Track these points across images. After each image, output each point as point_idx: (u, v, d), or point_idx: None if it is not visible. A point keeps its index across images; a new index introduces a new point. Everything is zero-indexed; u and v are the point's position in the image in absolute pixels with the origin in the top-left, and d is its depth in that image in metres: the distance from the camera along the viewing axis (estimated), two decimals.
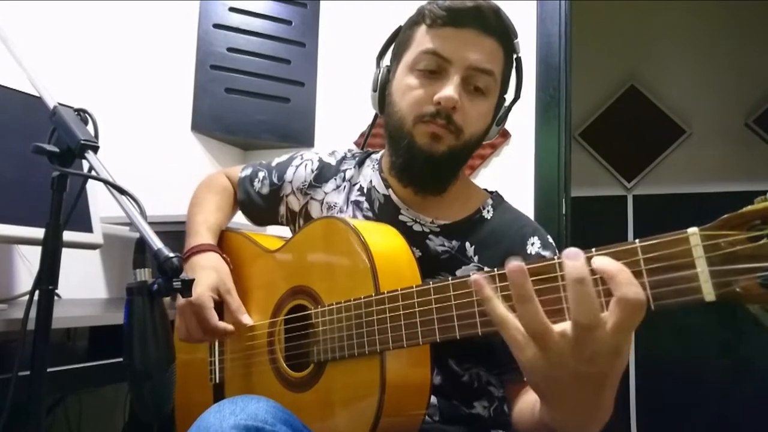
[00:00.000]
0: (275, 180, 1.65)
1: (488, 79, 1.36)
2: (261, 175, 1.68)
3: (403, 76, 1.39)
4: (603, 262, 0.84)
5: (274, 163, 1.69)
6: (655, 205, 4.62)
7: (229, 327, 1.41)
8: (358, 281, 1.22)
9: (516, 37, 1.41)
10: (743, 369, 4.17)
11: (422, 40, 1.36)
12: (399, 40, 1.45)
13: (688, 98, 4.61)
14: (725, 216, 0.79)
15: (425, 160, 1.36)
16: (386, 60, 1.49)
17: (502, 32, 1.37)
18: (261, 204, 1.67)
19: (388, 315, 1.14)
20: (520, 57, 1.46)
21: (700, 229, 0.80)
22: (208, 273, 1.44)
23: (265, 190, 1.66)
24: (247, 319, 1.44)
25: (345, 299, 1.23)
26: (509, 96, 1.50)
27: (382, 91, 1.47)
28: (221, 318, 1.45)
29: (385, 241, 1.29)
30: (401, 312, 1.12)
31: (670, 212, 4.50)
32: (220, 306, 1.45)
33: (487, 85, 1.36)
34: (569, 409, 0.93)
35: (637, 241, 0.85)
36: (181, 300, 1.41)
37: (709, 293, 0.79)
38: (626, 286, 0.81)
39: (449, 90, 1.31)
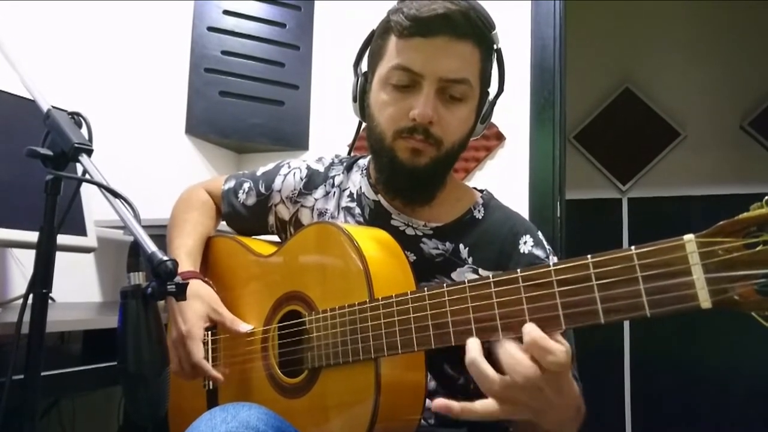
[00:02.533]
0: (262, 190, 1.63)
1: (463, 87, 1.32)
2: (246, 186, 1.66)
3: (378, 90, 1.37)
4: (526, 331, 0.94)
5: (259, 173, 1.67)
6: (650, 208, 4.62)
7: (218, 376, 1.40)
8: (351, 286, 1.22)
9: (493, 29, 1.36)
10: (738, 370, 4.17)
11: (393, 52, 1.33)
12: (372, 48, 1.43)
13: (683, 101, 4.62)
14: (721, 222, 0.79)
15: (408, 174, 1.35)
16: (364, 65, 1.47)
17: (476, 33, 1.32)
18: (246, 215, 1.66)
19: (382, 321, 1.14)
20: (500, 48, 1.40)
21: (696, 236, 0.81)
22: (193, 303, 1.42)
23: (251, 200, 1.65)
24: (244, 327, 1.43)
25: (339, 305, 1.22)
26: (493, 89, 1.46)
27: (362, 100, 1.45)
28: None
29: (378, 246, 1.29)
30: (396, 318, 1.12)
31: (665, 215, 4.51)
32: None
33: (464, 92, 1.33)
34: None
35: (632, 247, 0.85)
36: (173, 334, 1.41)
37: (705, 300, 0.79)
38: (544, 358, 0.91)
39: (423, 106, 1.29)
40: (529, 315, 0.95)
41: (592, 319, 0.89)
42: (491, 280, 1.00)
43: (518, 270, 0.98)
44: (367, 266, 1.21)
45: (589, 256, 0.89)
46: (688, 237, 0.81)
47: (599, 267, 0.89)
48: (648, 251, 0.84)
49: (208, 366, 1.39)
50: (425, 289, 1.09)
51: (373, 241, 1.29)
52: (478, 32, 1.32)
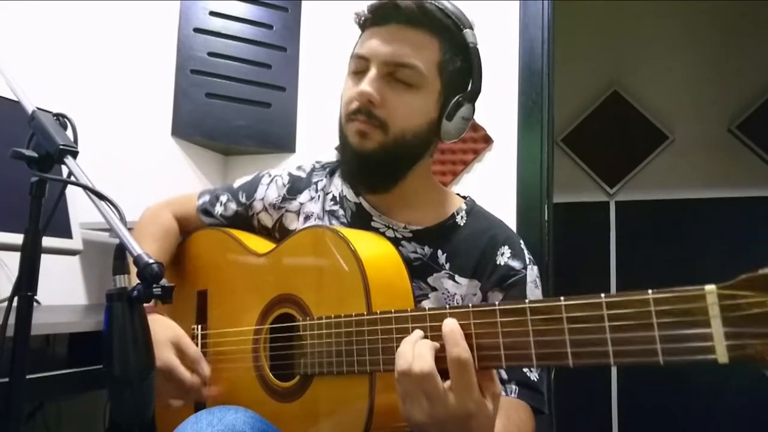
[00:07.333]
0: (242, 200, 1.64)
1: (411, 72, 1.33)
2: (223, 198, 1.67)
3: (345, 82, 1.42)
4: (445, 323, 1.00)
5: (236, 185, 1.68)
6: (638, 212, 4.63)
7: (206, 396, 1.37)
8: (348, 294, 1.21)
9: (465, 28, 1.37)
10: (726, 382, 4.17)
11: (356, 45, 1.41)
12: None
13: (671, 104, 4.64)
14: (745, 276, 0.77)
15: (356, 157, 1.37)
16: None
17: (434, 23, 1.35)
18: (228, 225, 1.66)
19: (380, 336, 1.12)
20: (475, 47, 1.39)
21: (718, 287, 0.78)
22: (158, 336, 1.35)
23: (230, 212, 1.65)
24: (205, 369, 1.39)
25: (335, 313, 1.21)
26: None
27: None
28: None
29: (376, 253, 1.29)
30: (394, 336, 1.09)
31: (652, 219, 4.51)
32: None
33: (412, 78, 1.33)
34: None
35: (650, 291, 0.83)
36: None
37: (722, 355, 0.77)
38: (452, 347, 0.97)
39: (363, 84, 1.32)
40: (535, 348, 0.93)
41: (601, 360, 0.87)
42: (497, 307, 0.98)
43: (526, 300, 0.96)
44: (366, 275, 1.20)
45: (602, 294, 0.87)
46: (710, 287, 0.79)
47: (613, 308, 0.86)
48: (666, 297, 0.82)
49: (199, 380, 1.36)
50: (426, 308, 1.07)
51: (371, 249, 1.28)
52: (438, 24, 1.35)
